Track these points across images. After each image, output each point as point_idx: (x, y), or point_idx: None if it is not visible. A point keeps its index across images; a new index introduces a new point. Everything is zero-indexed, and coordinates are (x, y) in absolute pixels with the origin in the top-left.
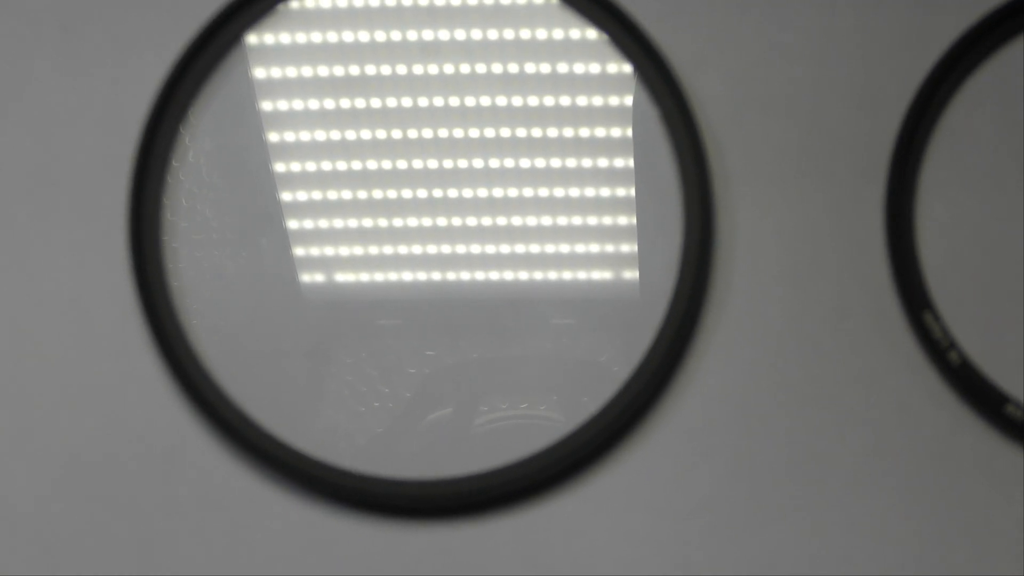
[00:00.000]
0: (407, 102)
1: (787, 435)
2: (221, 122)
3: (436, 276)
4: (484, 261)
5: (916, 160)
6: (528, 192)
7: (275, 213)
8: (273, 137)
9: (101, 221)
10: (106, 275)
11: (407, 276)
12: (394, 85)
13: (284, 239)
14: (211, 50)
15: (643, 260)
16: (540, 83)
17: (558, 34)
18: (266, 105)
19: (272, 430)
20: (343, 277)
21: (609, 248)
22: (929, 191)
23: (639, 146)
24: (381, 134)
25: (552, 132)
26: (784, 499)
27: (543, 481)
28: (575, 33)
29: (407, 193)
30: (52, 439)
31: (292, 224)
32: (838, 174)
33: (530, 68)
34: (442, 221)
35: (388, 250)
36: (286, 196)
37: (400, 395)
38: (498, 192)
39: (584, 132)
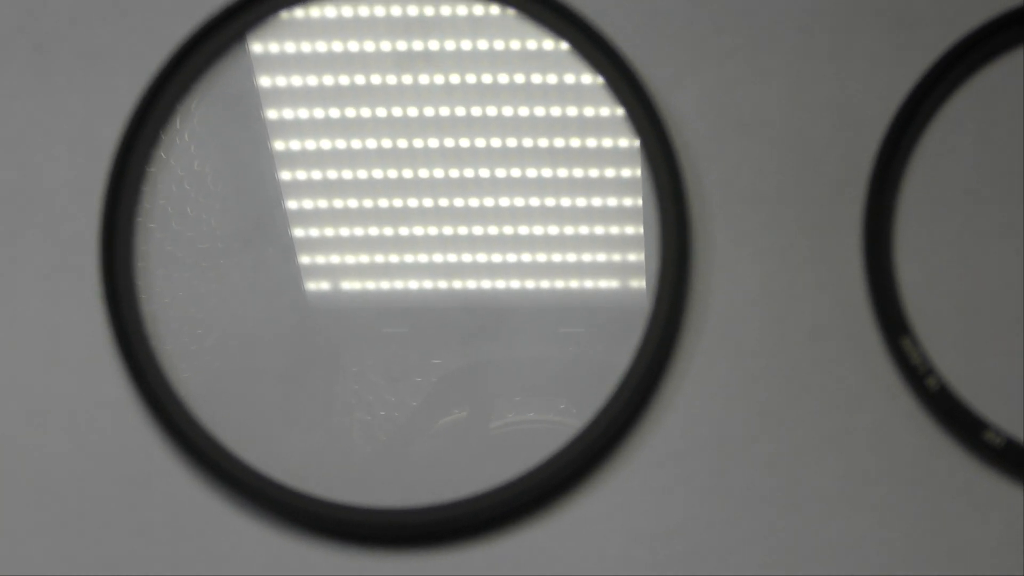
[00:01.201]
0: (412, 111)
1: (764, 460)
2: (195, 144)
3: (443, 285)
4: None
5: (894, 182)
6: (535, 201)
7: (252, 235)
8: (253, 153)
9: (72, 244)
10: (77, 298)
11: (413, 284)
12: (395, 95)
13: (262, 260)
14: (184, 71)
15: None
16: (544, 94)
17: (554, 51)
18: (247, 121)
19: (244, 457)
20: (349, 285)
21: (616, 257)
22: (908, 214)
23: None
24: (387, 143)
25: (556, 142)
26: (761, 525)
27: (518, 508)
28: (559, 50)
29: (412, 202)
30: (21, 464)
31: (297, 232)
32: (816, 196)
33: (536, 79)
34: (448, 230)
35: (394, 259)
36: (291, 205)
37: (406, 404)
38: (504, 201)
39: (589, 142)
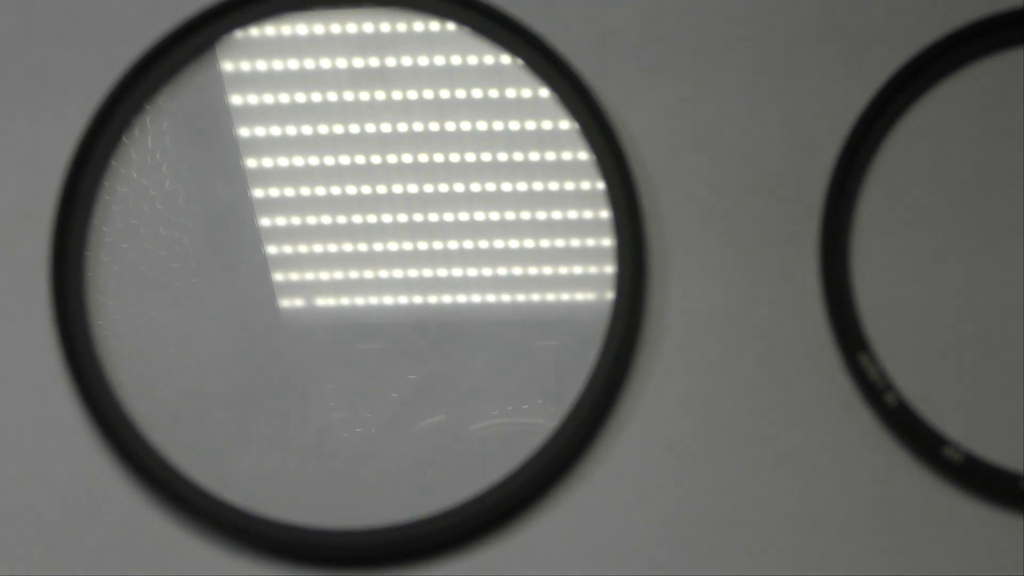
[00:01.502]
0: (370, 127)
1: (721, 478)
2: (146, 166)
3: (417, 300)
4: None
5: (851, 199)
6: (510, 215)
7: (206, 256)
8: (205, 172)
9: (23, 267)
10: (27, 320)
11: (388, 300)
12: (352, 111)
13: (216, 282)
14: (136, 92)
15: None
16: (501, 109)
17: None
18: (200, 140)
19: (195, 478)
20: (288, 303)
21: (593, 270)
22: (864, 230)
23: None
24: (344, 159)
25: (515, 156)
26: (719, 542)
27: (475, 529)
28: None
29: (386, 218)
30: None
31: (271, 249)
32: (772, 212)
33: (494, 94)
34: (423, 245)
35: (368, 275)
36: (264, 222)
37: (377, 421)
38: (464, 216)
39: (549, 156)
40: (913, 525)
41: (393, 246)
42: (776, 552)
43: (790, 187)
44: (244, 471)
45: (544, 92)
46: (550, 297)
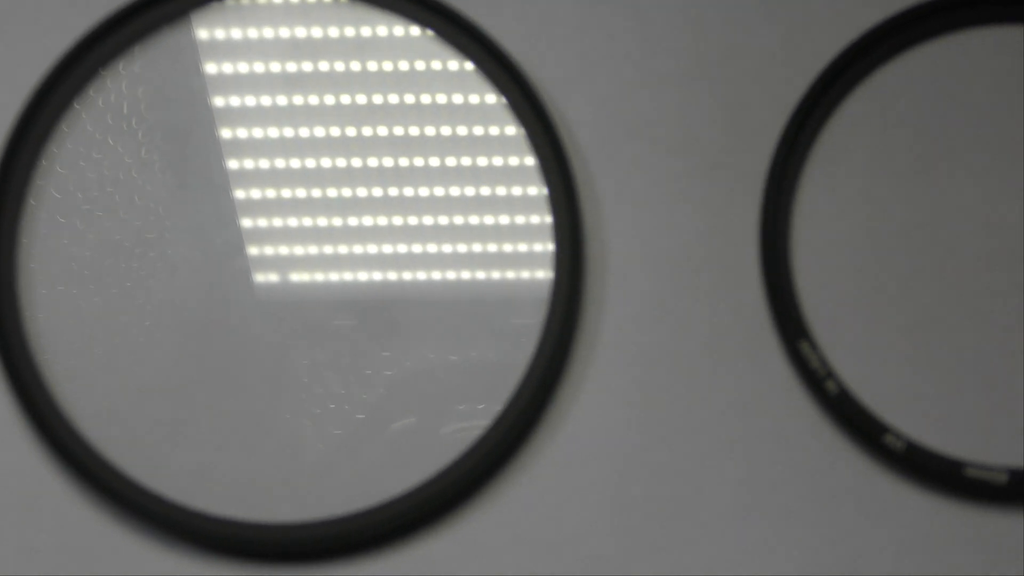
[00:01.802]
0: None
1: (662, 468)
2: (81, 152)
3: (392, 276)
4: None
5: (790, 186)
6: (485, 191)
7: (136, 246)
8: (134, 160)
9: None
10: None
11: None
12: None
13: (143, 279)
14: (67, 83)
15: None
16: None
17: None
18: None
19: (131, 473)
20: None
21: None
22: (804, 217)
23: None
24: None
25: (443, 130)
26: (660, 533)
27: (413, 521)
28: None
29: (362, 192)
30: None
31: (246, 223)
32: (711, 200)
33: (442, 99)
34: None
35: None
36: (239, 194)
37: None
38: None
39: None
40: (855, 513)
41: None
42: (717, 542)
43: (729, 174)
44: (181, 465)
45: (487, 90)
46: (495, 275)
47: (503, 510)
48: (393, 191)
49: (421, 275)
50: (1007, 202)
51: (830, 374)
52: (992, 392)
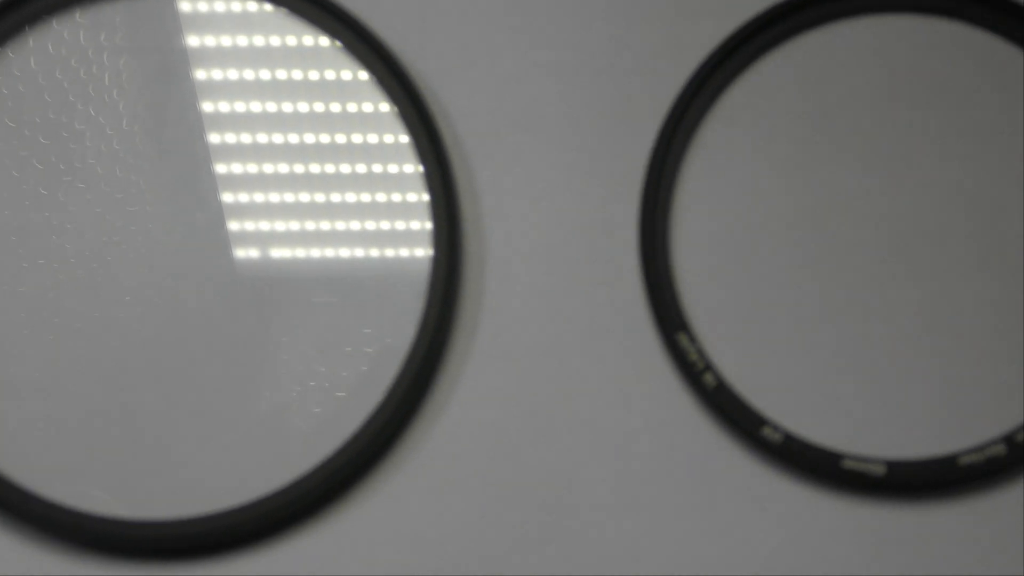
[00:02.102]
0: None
1: (540, 462)
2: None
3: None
4: None
5: (671, 178)
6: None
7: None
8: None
9: None
10: None
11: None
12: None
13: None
14: None
15: None
16: (319, 92)
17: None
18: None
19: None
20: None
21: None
22: (684, 209)
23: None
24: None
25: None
26: (537, 528)
27: (287, 517)
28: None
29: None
30: None
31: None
32: (592, 192)
33: (312, 75)
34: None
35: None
36: (220, 168)
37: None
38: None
39: (355, 138)
40: (733, 506)
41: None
42: (596, 536)
43: (610, 167)
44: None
45: (362, 74)
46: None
47: (378, 506)
48: None
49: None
50: (888, 192)
51: (708, 366)
52: (870, 383)
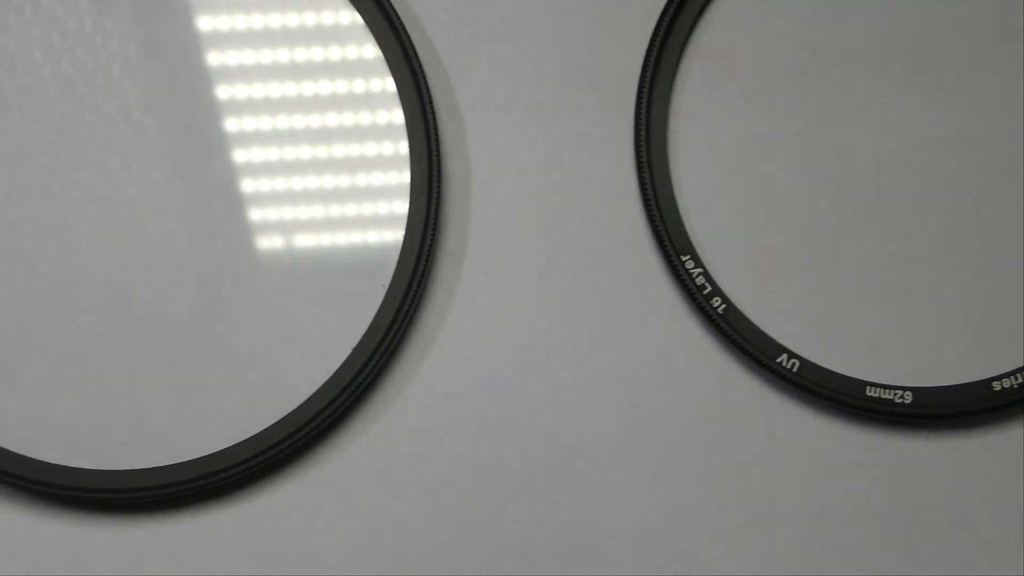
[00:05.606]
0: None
1: (537, 398)
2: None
3: None
4: None
5: (666, 88)
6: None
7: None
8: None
9: None
10: None
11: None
12: None
13: None
14: None
15: None
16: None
17: None
18: None
19: None
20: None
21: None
22: (684, 119)
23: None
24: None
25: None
26: (538, 468)
27: (272, 462)
28: None
29: None
30: None
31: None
32: (582, 105)
33: None
34: None
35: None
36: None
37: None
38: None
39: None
40: (750, 439)
41: None
42: (601, 475)
43: (601, 77)
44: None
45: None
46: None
47: (366, 447)
48: None
49: None
50: (906, 97)
51: (716, 291)
52: (892, 307)
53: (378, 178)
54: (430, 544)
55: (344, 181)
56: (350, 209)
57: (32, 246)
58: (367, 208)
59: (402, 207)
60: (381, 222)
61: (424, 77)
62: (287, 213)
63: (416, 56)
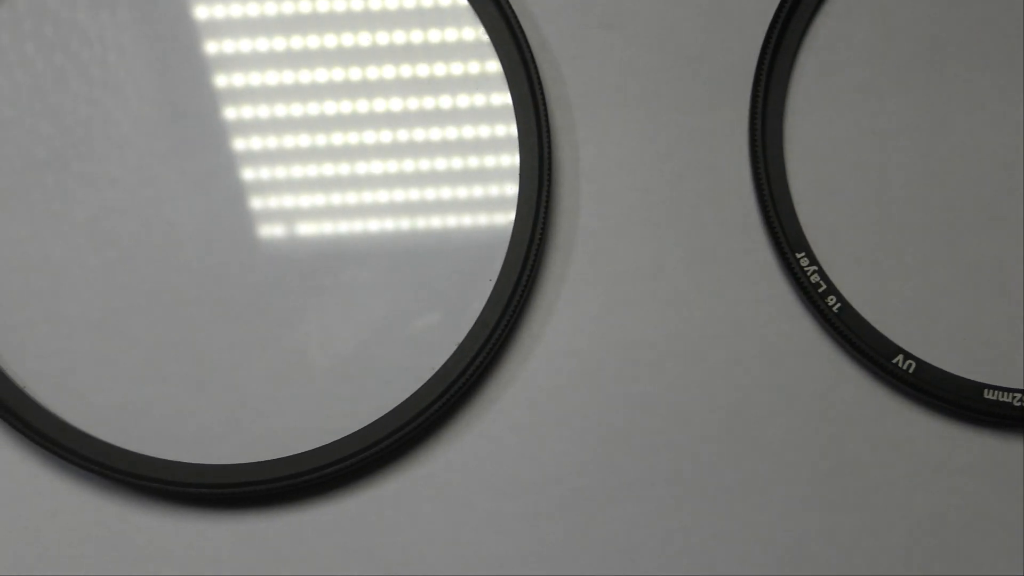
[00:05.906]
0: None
1: (644, 397)
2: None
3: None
4: None
5: (783, 82)
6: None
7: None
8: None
9: None
10: None
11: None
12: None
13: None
14: None
15: None
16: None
17: None
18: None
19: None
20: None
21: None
22: (799, 114)
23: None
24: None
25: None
26: (643, 467)
27: (375, 459)
28: None
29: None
30: None
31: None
32: (694, 99)
33: None
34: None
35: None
36: (239, 144)
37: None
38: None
39: (432, 35)
40: (864, 441)
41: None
42: (710, 475)
43: (713, 67)
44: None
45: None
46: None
47: (470, 445)
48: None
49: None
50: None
51: (831, 290)
52: (1013, 307)
53: (490, 160)
54: (534, 544)
55: (456, 163)
56: (461, 192)
57: (131, 239)
58: (478, 191)
59: (513, 190)
60: (492, 205)
61: (535, 64)
62: (398, 195)
63: (527, 43)
